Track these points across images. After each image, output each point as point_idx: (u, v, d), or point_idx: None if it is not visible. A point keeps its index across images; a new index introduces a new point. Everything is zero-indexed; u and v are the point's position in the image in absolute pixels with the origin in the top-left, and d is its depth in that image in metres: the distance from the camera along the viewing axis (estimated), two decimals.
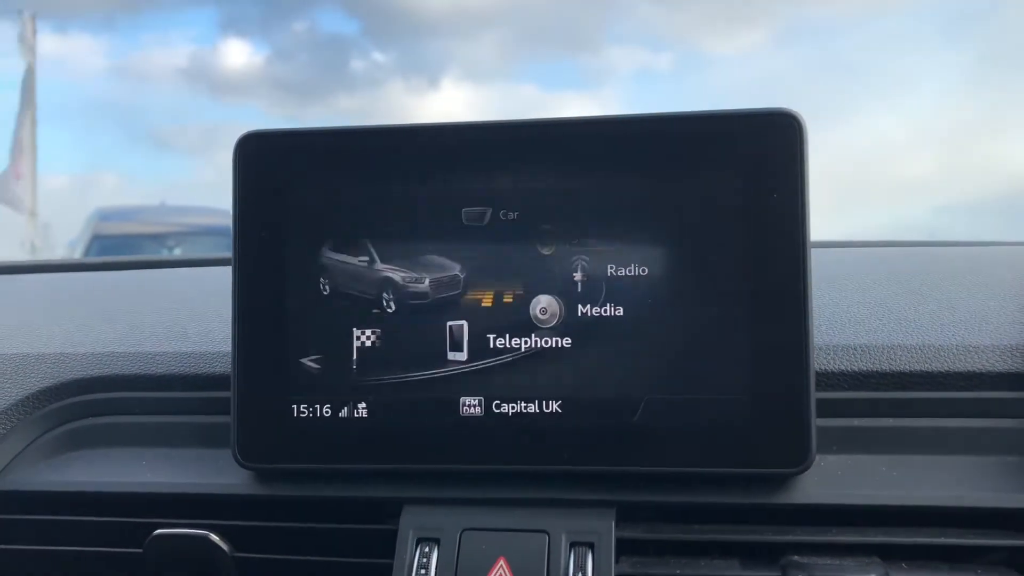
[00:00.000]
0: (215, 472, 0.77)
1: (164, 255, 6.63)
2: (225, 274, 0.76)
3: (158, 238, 7.05)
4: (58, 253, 6.84)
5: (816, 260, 0.70)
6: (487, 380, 0.72)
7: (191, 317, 0.92)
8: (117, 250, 6.86)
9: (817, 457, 0.70)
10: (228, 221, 0.77)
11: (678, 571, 0.68)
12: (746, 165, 0.69)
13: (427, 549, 0.70)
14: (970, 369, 0.73)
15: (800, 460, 0.68)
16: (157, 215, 7.56)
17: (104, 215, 7.45)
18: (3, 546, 0.80)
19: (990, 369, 0.73)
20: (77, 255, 6.88)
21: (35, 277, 1.23)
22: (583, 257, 0.71)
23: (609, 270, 0.71)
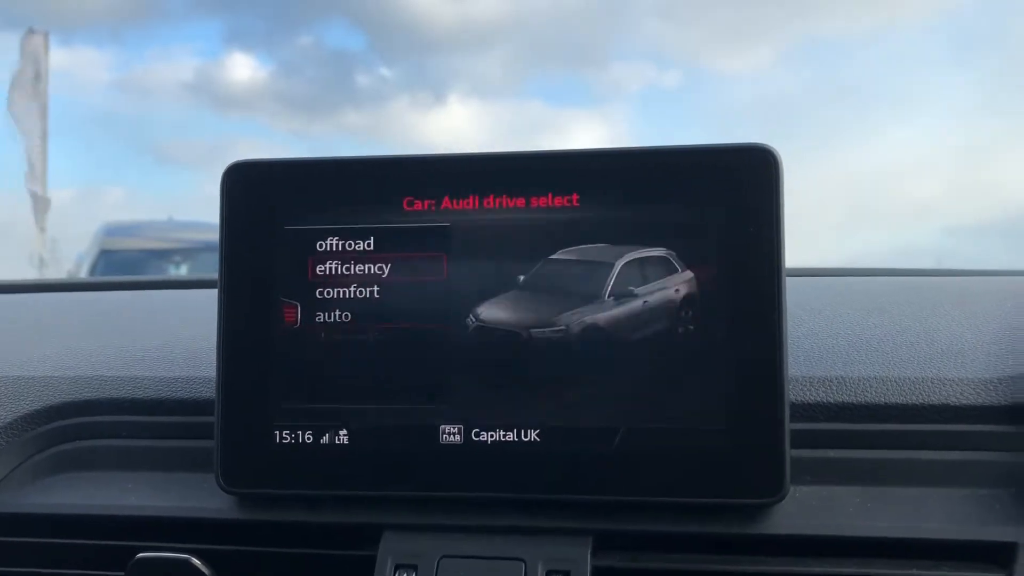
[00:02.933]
0: (198, 496, 0.78)
1: (170, 272, 6.65)
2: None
3: (164, 254, 7.08)
4: (65, 268, 6.87)
5: (798, 289, 0.71)
6: (466, 408, 0.73)
7: (181, 340, 0.93)
8: (124, 265, 6.89)
9: (792, 488, 0.70)
10: None
11: None
12: (723, 197, 0.70)
13: (404, 575, 0.71)
14: (945, 402, 0.74)
15: (775, 491, 0.68)
16: (164, 230, 7.60)
17: (111, 230, 7.49)
18: None
19: (965, 402, 0.74)
20: (84, 270, 6.91)
21: (35, 297, 1.25)
22: None
23: None
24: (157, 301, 1.24)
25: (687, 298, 0.71)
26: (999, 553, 0.67)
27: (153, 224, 8.01)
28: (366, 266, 0.75)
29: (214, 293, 0.76)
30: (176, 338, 0.94)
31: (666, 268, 0.71)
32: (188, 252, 7.01)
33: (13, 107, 6.86)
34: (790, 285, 0.70)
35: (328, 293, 0.75)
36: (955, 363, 0.77)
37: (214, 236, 0.77)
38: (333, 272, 0.75)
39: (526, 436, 0.72)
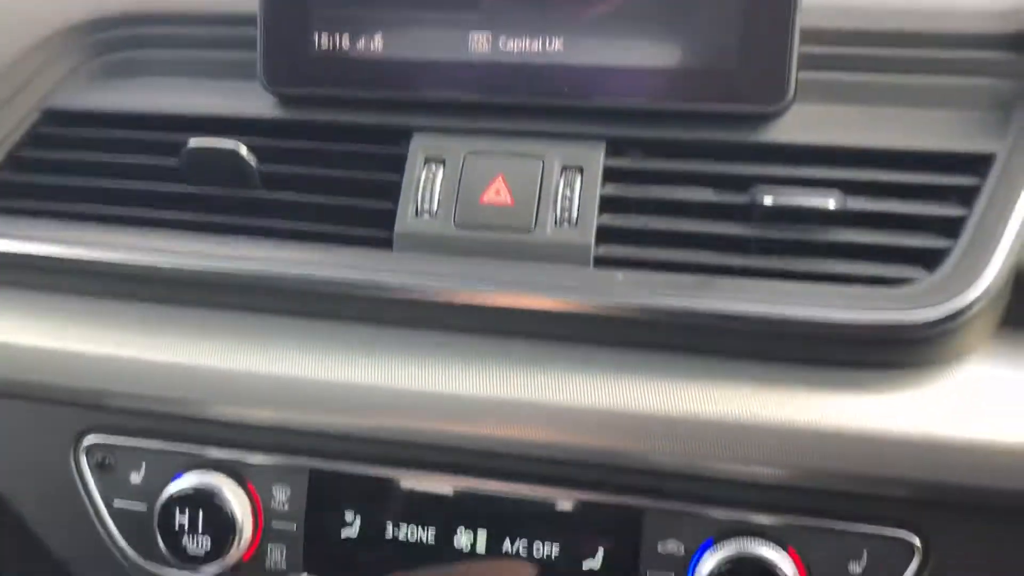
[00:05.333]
0: (244, 98, 0.85)
1: None
2: None
3: None
4: None
5: None
6: (495, 16, 0.77)
7: None
8: None
9: (797, 106, 0.76)
10: None
11: (656, 195, 0.76)
12: None
13: (434, 168, 0.78)
14: (949, 29, 0.77)
15: (779, 98, 0.74)
16: None
17: None
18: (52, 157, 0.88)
19: (965, 30, 0.77)
20: None
21: None
22: None
23: None
24: None
25: None
26: (979, 163, 0.73)
27: None
28: None
29: None
30: None
31: None
32: None
33: None
34: None
35: None
36: None
37: None
38: None
39: (550, 46, 0.77)
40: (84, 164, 0.86)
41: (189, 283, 0.79)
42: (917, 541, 0.71)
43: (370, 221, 0.79)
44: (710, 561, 0.72)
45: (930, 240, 0.72)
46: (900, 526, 0.72)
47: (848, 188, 0.74)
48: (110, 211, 0.83)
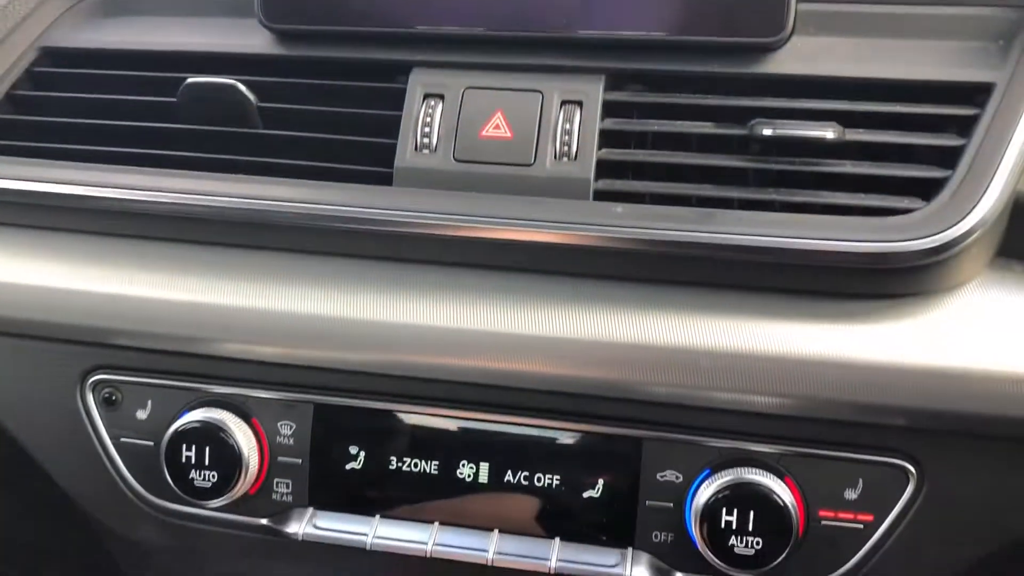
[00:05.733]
0: (241, 35, 0.84)
1: None
2: None
3: None
4: None
5: None
6: None
7: None
8: None
9: (796, 39, 0.76)
10: None
11: (655, 128, 0.76)
12: None
13: (432, 103, 0.78)
14: None
15: (778, 30, 0.74)
16: None
17: None
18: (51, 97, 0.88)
19: None
20: None
21: None
22: None
23: None
24: None
25: None
26: (978, 93, 0.73)
27: None
28: None
29: None
30: None
31: None
32: None
33: None
34: None
35: None
36: None
37: None
38: None
39: None
40: (83, 103, 0.86)
41: (190, 220, 0.79)
42: (912, 468, 0.73)
43: (370, 157, 0.79)
44: (708, 490, 0.73)
45: (928, 171, 0.72)
46: (895, 454, 0.73)
47: (847, 119, 0.74)
48: (109, 150, 0.83)
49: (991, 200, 0.70)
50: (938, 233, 0.69)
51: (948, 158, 0.72)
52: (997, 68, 0.74)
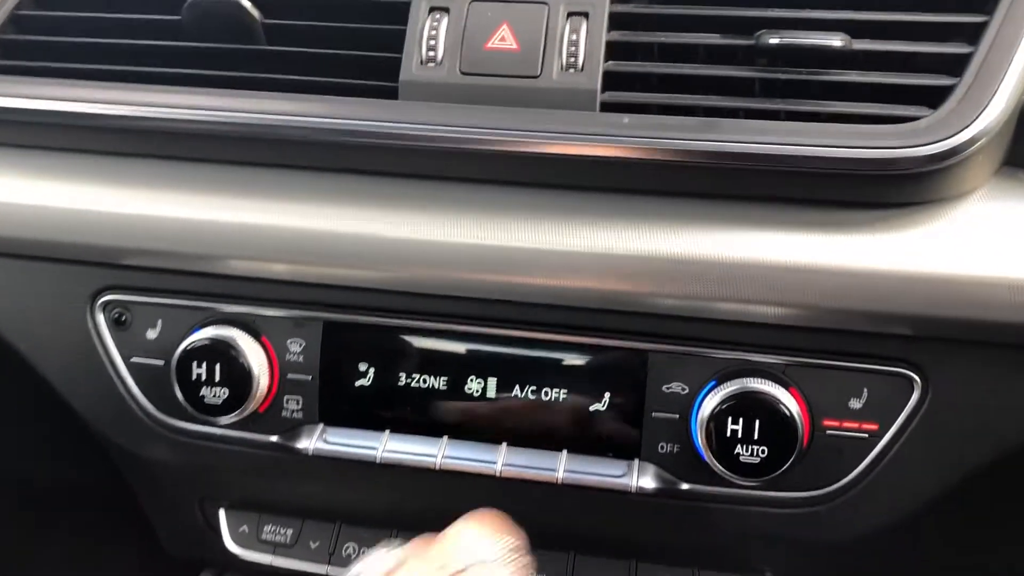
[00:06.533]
0: None
1: None
2: None
3: None
4: None
5: None
6: None
7: None
8: None
9: None
10: None
11: (662, 40, 0.76)
12: None
13: (438, 16, 0.78)
14: None
15: None
16: None
17: None
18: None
19: None
20: None
21: None
22: None
23: None
24: None
25: None
26: (986, 1, 0.73)
27: None
28: None
29: None
30: None
31: None
32: None
33: None
34: None
35: None
36: None
37: None
38: None
39: None
40: (86, 22, 0.85)
41: (196, 137, 0.79)
42: (917, 377, 0.73)
43: (375, 71, 0.78)
44: (713, 399, 0.74)
45: (935, 79, 0.72)
46: (900, 363, 0.73)
47: (854, 29, 0.73)
48: (114, 68, 0.83)
49: (998, 108, 0.69)
50: (944, 139, 0.69)
51: (955, 66, 0.72)
52: None
